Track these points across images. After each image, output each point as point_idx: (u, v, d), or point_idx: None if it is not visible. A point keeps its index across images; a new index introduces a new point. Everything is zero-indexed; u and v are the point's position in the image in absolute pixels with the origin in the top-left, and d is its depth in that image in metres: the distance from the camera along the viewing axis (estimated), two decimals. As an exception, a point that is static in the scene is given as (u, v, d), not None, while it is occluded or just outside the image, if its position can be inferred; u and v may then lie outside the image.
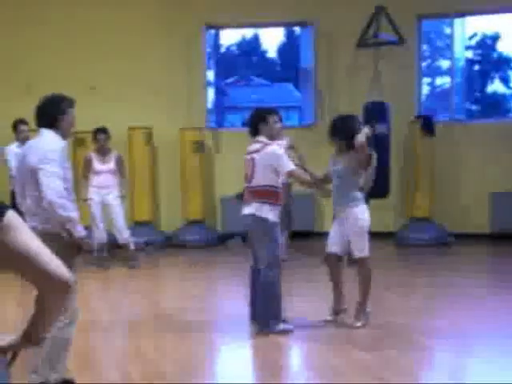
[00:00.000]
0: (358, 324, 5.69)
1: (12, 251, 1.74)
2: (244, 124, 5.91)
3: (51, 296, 1.84)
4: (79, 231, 3.94)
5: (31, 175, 4.01)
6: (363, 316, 5.74)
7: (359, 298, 5.78)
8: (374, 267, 8.54)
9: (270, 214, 5.44)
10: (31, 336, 1.94)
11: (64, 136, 4.15)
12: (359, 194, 5.73)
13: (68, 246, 3.83)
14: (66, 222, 3.88)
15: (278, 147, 5.53)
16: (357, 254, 5.74)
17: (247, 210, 5.53)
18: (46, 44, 10.81)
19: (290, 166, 5.47)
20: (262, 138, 5.54)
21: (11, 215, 1.76)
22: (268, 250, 5.49)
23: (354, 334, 5.60)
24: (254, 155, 5.50)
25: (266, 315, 5.51)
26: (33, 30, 10.82)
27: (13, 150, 8.55)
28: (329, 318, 5.86)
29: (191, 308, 6.60)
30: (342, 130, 5.72)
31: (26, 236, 1.77)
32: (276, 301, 5.55)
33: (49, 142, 4.06)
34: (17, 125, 8.57)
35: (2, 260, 1.76)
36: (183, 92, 11.00)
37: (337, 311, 5.90)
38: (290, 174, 5.58)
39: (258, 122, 5.60)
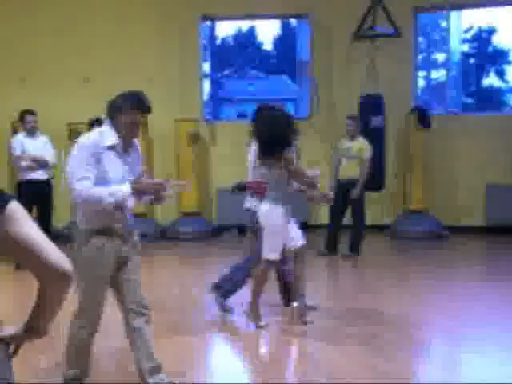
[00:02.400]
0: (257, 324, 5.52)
1: (13, 242, 1.74)
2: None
3: (52, 287, 1.84)
4: None
5: None
6: (253, 315, 5.54)
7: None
8: (368, 259, 8.60)
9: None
10: (33, 328, 1.95)
11: (119, 133, 3.74)
12: (273, 194, 5.36)
13: None
14: None
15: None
16: None
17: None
18: (39, 36, 10.76)
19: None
20: None
21: (14, 206, 1.76)
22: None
23: (349, 326, 5.62)
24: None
25: (220, 283, 5.92)
26: (25, 22, 10.78)
27: (19, 139, 8.52)
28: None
29: (186, 300, 6.60)
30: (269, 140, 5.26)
31: (27, 227, 1.76)
32: (232, 283, 5.86)
33: (84, 136, 3.84)
34: (24, 115, 8.53)
35: (3, 250, 1.77)
36: (179, 83, 10.98)
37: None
38: None
39: None
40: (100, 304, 3.83)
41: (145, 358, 3.90)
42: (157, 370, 3.93)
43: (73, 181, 3.61)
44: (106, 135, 3.72)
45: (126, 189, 3.65)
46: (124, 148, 3.78)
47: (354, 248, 8.66)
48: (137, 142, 3.94)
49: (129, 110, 3.71)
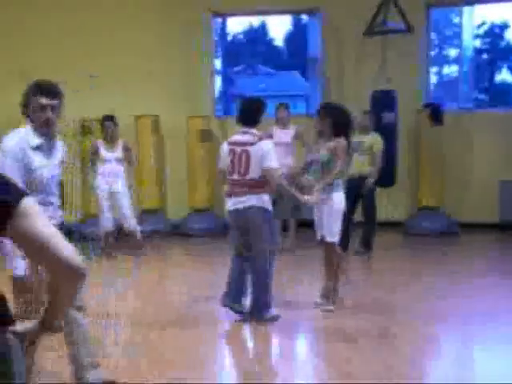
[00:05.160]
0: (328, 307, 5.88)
1: (26, 237, 1.75)
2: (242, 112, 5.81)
3: (64, 283, 1.85)
4: None
5: None
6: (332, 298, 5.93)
7: None
8: (381, 256, 8.57)
9: (267, 203, 5.55)
10: (48, 323, 1.96)
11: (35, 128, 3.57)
12: (339, 181, 5.98)
13: None
14: None
15: (269, 142, 5.58)
16: None
17: (246, 202, 5.50)
18: (41, 29, 10.74)
19: (274, 164, 5.46)
20: (254, 131, 5.55)
21: (27, 202, 1.77)
22: (265, 239, 5.53)
23: (362, 324, 5.60)
24: (248, 148, 5.46)
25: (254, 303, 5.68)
26: (27, 16, 10.78)
27: None
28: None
29: (197, 297, 6.59)
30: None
31: (40, 223, 1.78)
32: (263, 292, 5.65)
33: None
34: None
35: (17, 246, 1.78)
36: (190, 80, 10.96)
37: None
38: (266, 171, 5.47)
39: (259, 113, 5.60)
40: None
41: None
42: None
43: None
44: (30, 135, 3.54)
45: None
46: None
47: (366, 244, 8.62)
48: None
49: (32, 97, 3.52)
